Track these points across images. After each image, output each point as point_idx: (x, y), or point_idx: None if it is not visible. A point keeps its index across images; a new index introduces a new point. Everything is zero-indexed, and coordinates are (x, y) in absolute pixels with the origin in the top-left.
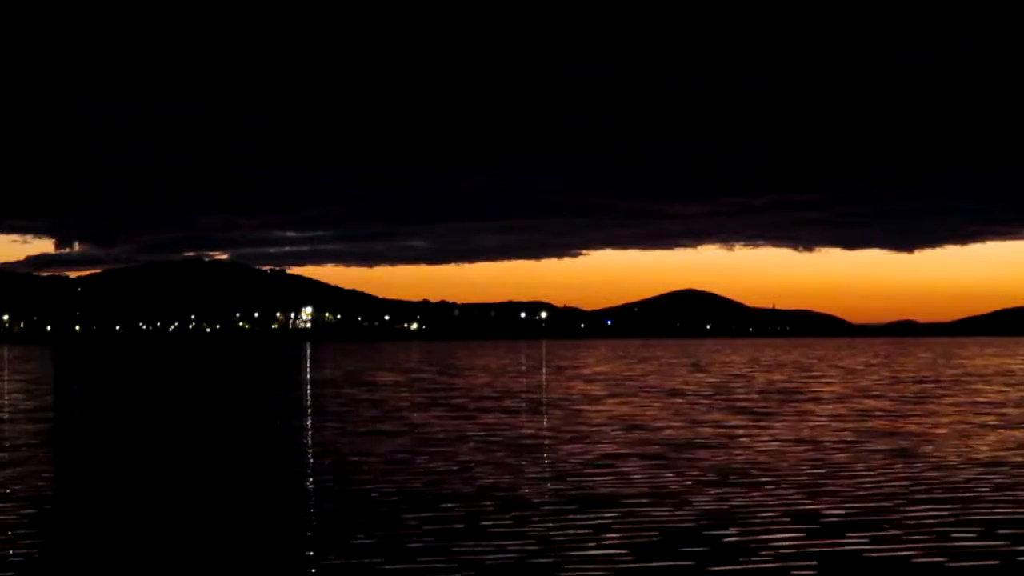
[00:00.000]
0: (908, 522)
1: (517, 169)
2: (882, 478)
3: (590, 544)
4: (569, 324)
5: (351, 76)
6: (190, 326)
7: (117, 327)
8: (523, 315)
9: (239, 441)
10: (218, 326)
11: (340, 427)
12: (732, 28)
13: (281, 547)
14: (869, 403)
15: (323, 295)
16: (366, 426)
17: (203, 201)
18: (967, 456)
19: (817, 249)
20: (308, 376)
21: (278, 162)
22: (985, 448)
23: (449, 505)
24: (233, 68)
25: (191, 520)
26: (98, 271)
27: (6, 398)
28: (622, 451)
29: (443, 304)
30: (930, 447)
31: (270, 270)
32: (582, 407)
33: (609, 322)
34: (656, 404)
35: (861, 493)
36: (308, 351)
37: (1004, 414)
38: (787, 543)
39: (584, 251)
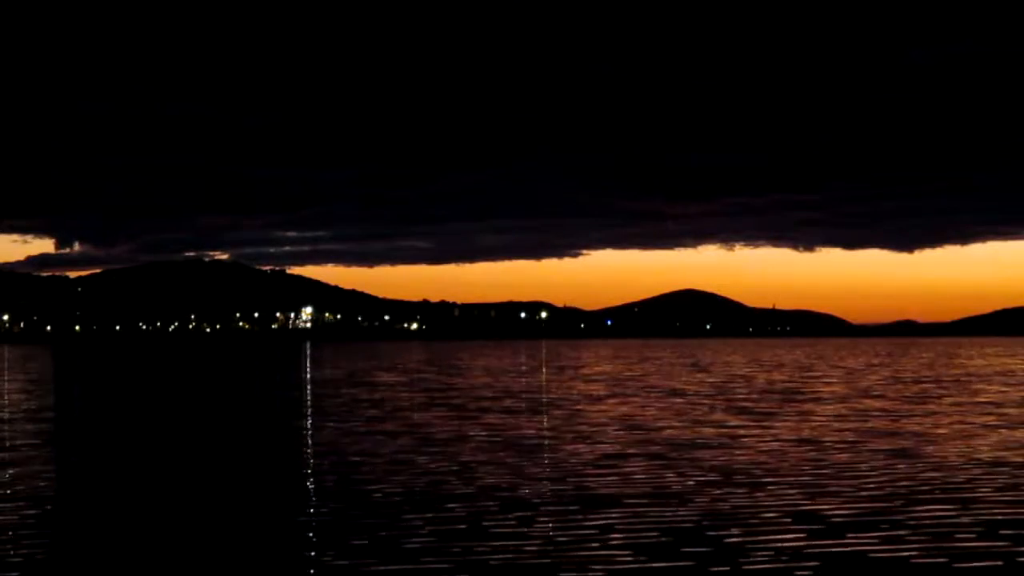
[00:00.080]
0: (910, 522)
1: (517, 169)
2: (884, 478)
3: (592, 544)
4: (569, 324)
5: (351, 76)
6: (190, 326)
7: (117, 327)
8: (523, 315)
9: (239, 441)
10: (218, 326)
11: (340, 427)
12: (732, 28)
13: (282, 547)
14: (870, 403)
15: (323, 295)
16: (366, 426)
17: (203, 201)
18: (968, 456)
19: (817, 249)
20: (308, 376)
21: (278, 162)
22: (986, 448)
23: (450, 505)
24: (233, 68)
25: (192, 520)
26: (98, 271)
27: (6, 398)
28: (623, 451)
29: (443, 304)
30: (931, 447)
31: (270, 270)
32: (583, 407)
33: (609, 322)
34: (657, 404)
35: (863, 493)
36: (308, 351)
37: (1005, 414)
38: (788, 543)
39: (584, 251)
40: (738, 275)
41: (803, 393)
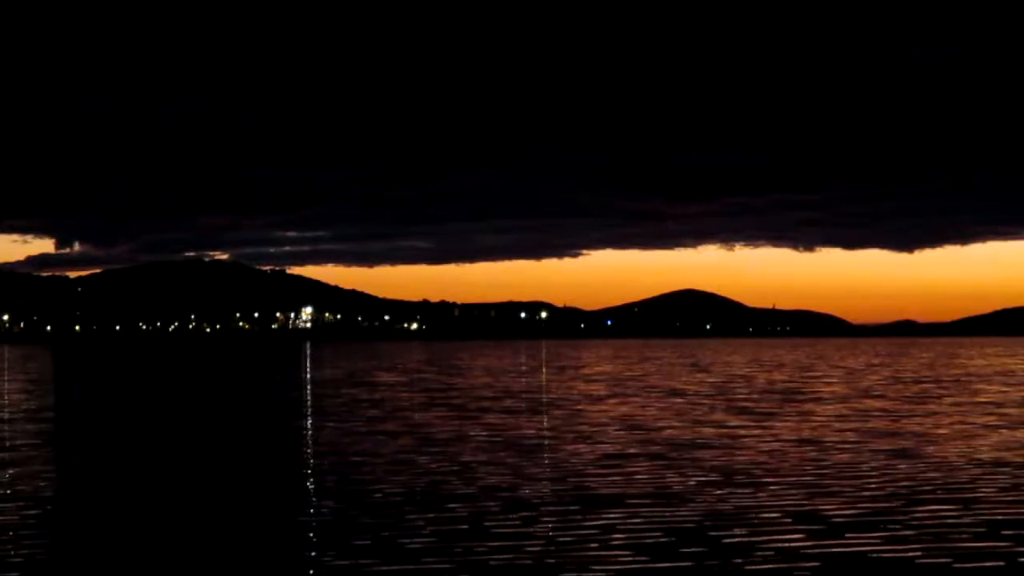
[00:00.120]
0: (911, 523)
1: (517, 169)
2: (885, 478)
3: (593, 545)
4: (569, 324)
5: (351, 76)
6: (190, 326)
7: (117, 327)
8: (523, 315)
9: (239, 441)
10: (218, 326)
11: (341, 427)
12: (732, 29)
13: (283, 548)
14: (870, 403)
15: (323, 295)
16: (367, 426)
17: (203, 201)
18: (969, 457)
19: (817, 249)
20: (308, 376)
21: (278, 162)
22: (987, 449)
23: (451, 505)
24: (233, 68)
25: (192, 520)
26: (98, 271)
27: (6, 398)
28: (623, 451)
29: (443, 304)
30: (932, 447)
31: (270, 270)
32: (583, 407)
33: (609, 322)
34: (657, 404)
35: (864, 493)
36: (308, 351)
37: (1005, 414)
38: (790, 543)
39: (584, 251)
40: (738, 275)
41: (803, 393)
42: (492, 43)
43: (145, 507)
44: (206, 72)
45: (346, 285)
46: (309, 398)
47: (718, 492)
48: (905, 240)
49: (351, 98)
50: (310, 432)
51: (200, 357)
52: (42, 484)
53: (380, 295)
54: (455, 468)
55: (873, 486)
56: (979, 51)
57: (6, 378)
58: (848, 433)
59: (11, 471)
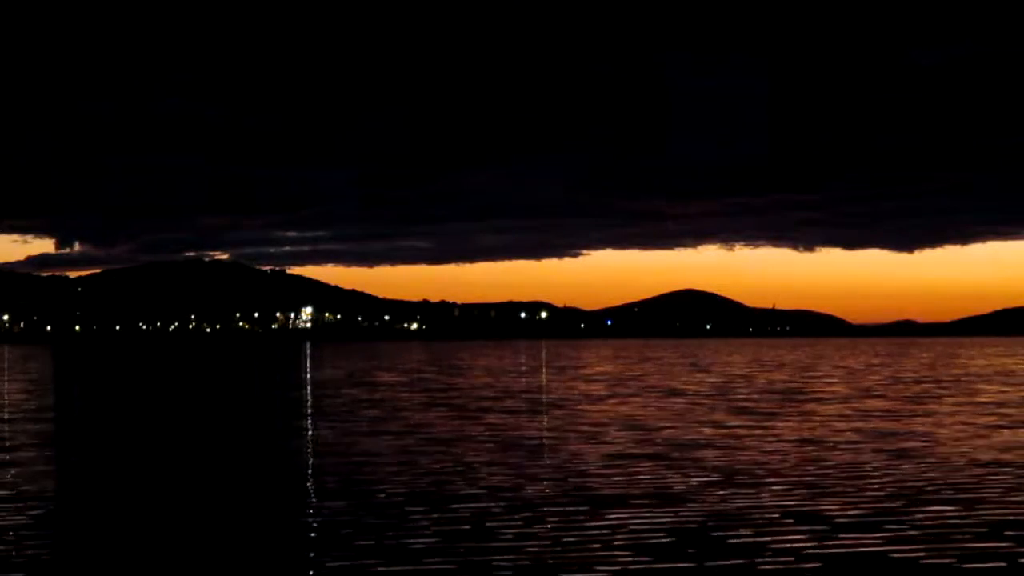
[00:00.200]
0: (913, 523)
1: (517, 169)
2: (886, 479)
3: (595, 545)
4: (569, 324)
5: (351, 76)
6: (190, 326)
7: (117, 327)
8: (523, 315)
9: (240, 442)
10: (218, 326)
11: (341, 427)
12: (732, 28)
13: (284, 548)
14: (871, 403)
15: (323, 295)
16: (367, 426)
17: (203, 201)
18: (970, 457)
19: (817, 249)
20: (308, 376)
21: (278, 162)
22: (989, 449)
23: (453, 506)
24: (233, 68)
25: (193, 521)
26: (98, 271)
27: (6, 398)
28: (624, 451)
29: (443, 304)
30: (933, 447)
31: (270, 270)
32: (583, 407)
33: (609, 322)
34: (657, 404)
35: (866, 494)
36: (308, 351)
37: (1007, 414)
38: (791, 544)
39: (584, 251)
40: (738, 275)
41: (804, 393)
42: (492, 43)
43: (146, 508)
44: (206, 72)
45: (346, 285)
46: (309, 398)
47: (719, 492)
48: (905, 240)
49: (351, 98)
50: (310, 432)
51: (200, 357)
52: (42, 484)
53: (380, 295)
54: (456, 468)
55: (875, 486)
56: (980, 52)
57: (6, 378)
58: (849, 433)
59: (11, 471)
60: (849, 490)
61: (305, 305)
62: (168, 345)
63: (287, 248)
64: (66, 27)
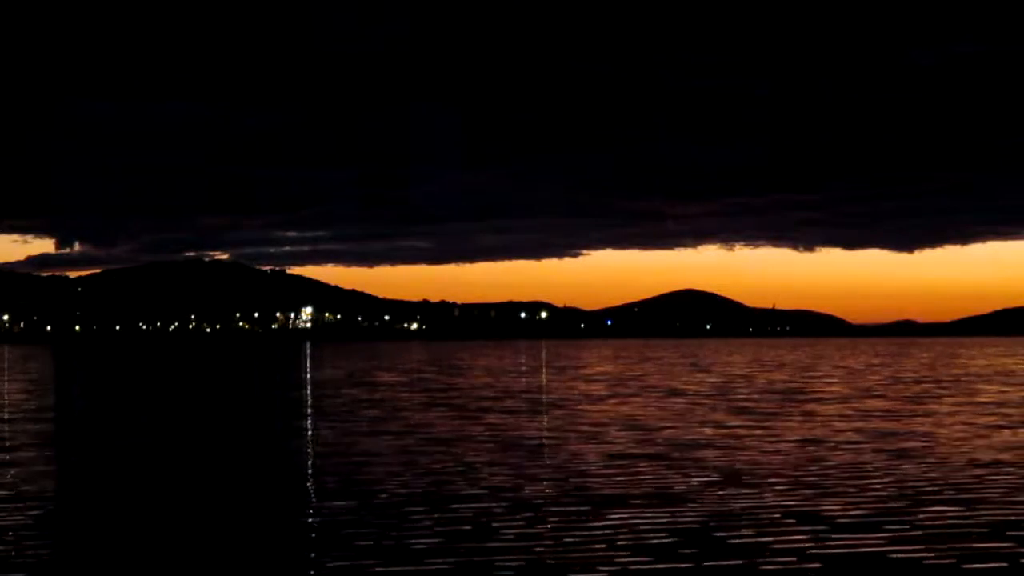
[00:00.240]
0: (915, 523)
1: (517, 169)
2: (888, 479)
3: (597, 545)
4: (569, 324)
5: (351, 76)
6: (190, 326)
7: (117, 327)
8: (523, 315)
9: (240, 442)
10: (218, 326)
11: (341, 427)
12: (732, 28)
13: (284, 548)
14: (872, 403)
15: (323, 295)
16: (367, 427)
17: (203, 201)
18: (971, 457)
19: (817, 249)
20: (308, 376)
21: (278, 162)
22: (990, 449)
23: (453, 506)
24: (233, 68)
25: (193, 521)
26: (98, 271)
27: (6, 398)
28: (625, 451)
29: (443, 304)
30: (934, 447)
31: (270, 270)
32: (584, 407)
33: (609, 322)
34: (658, 404)
35: (867, 494)
36: (308, 351)
37: (1007, 414)
38: (792, 544)
39: (584, 251)
40: (738, 275)
41: (804, 393)
42: (492, 43)
43: (146, 508)
44: (206, 72)
45: (346, 285)
46: (309, 398)
47: (720, 492)
48: (905, 240)
49: (351, 98)
50: (310, 432)
51: (200, 357)
52: (42, 484)
53: (380, 295)
54: (456, 468)
55: (876, 486)
56: (980, 51)
57: (6, 378)
58: (849, 433)
59: (11, 471)
60: (850, 490)
61: (305, 305)
62: (168, 345)
63: (287, 248)
64: (66, 27)
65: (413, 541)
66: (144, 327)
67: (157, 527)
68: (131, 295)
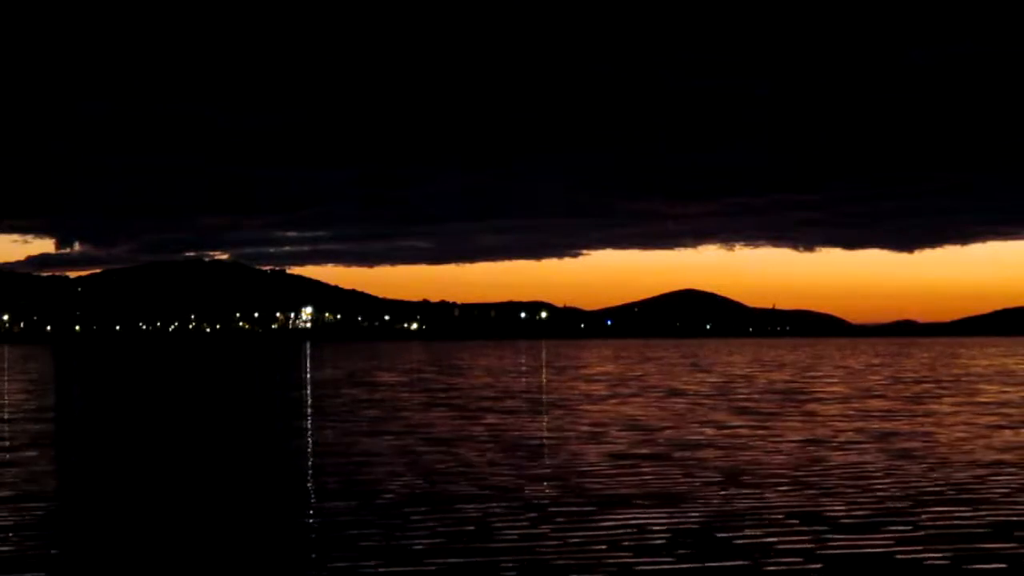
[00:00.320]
0: (916, 523)
1: (517, 169)
2: (889, 479)
3: (596, 545)
4: (569, 324)
5: (351, 76)
6: (190, 326)
7: (117, 327)
8: (523, 315)
9: (240, 442)
10: (218, 326)
11: (341, 427)
12: (732, 28)
13: (284, 549)
14: (872, 403)
15: (323, 295)
16: (368, 427)
17: (203, 201)
18: (973, 457)
19: (817, 249)
20: (308, 376)
21: (278, 162)
22: (991, 449)
23: (454, 506)
24: (233, 68)
25: (194, 521)
26: (98, 271)
27: (6, 398)
28: (626, 451)
29: (443, 304)
30: (935, 448)
31: (270, 270)
32: (584, 407)
33: (609, 322)
34: (658, 405)
35: (869, 494)
36: (308, 351)
37: (1008, 414)
38: (794, 544)
39: (584, 251)
40: (738, 275)
41: (805, 393)
42: (491, 43)
43: (146, 508)
44: (206, 72)
45: (346, 285)
46: (309, 398)
47: (721, 493)
48: (905, 240)
49: (351, 98)
50: (310, 432)
51: (200, 357)
52: (43, 484)
53: (380, 295)
54: (457, 468)
55: (877, 487)
56: (979, 51)
57: (6, 378)
58: (850, 433)
59: (11, 471)
60: (851, 490)
61: (305, 305)
62: (168, 345)
63: (287, 248)
64: (66, 27)
65: (413, 541)
66: (144, 327)
67: (158, 527)
68: (131, 295)
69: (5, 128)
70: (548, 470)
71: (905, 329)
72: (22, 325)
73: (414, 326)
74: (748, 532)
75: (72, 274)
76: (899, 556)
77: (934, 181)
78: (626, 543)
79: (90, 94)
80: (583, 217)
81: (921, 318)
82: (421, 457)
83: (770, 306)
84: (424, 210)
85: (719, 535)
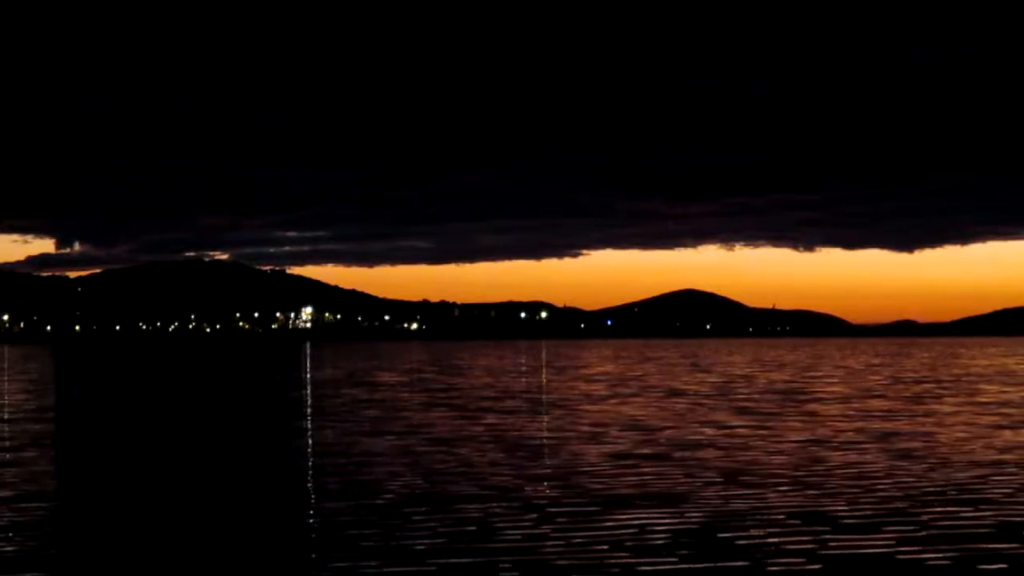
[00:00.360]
0: (918, 523)
1: (517, 169)
2: (890, 479)
3: (596, 546)
4: (569, 324)
5: (351, 76)
6: (190, 326)
7: (117, 327)
8: (523, 315)
9: (240, 442)
10: (218, 326)
11: (342, 427)
12: (732, 28)
13: (284, 549)
14: (873, 403)
15: (323, 295)
16: (368, 427)
17: (203, 201)
18: (973, 457)
19: (817, 249)
20: (308, 376)
21: (278, 162)
22: (991, 449)
23: (455, 506)
24: (233, 68)
25: (194, 521)
26: (98, 271)
27: (6, 398)
28: (626, 451)
29: (443, 304)
30: (936, 448)
31: (270, 270)
32: (584, 407)
33: (609, 322)
34: (658, 405)
35: (870, 494)
36: (308, 351)
37: (1008, 415)
38: (795, 544)
39: (584, 251)
40: (738, 275)
41: (805, 393)
42: (492, 43)
43: (146, 508)
44: (206, 72)
45: (346, 285)
46: (309, 398)
47: (722, 493)
48: (905, 240)
49: (351, 98)
50: (310, 432)
51: (200, 357)
52: (43, 484)
53: (380, 295)
54: (457, 469)
55: (878, 487)
56: (979, 51)
57: (6, 378)
58: (851, 433)
59: (11, 471)
60: (852, 490)
61: (305, 305)
62: (168, 345)
63: (287, 248)
64: (66, 27)
65: (414, 542)
66: (144, 327)
67: (158, 527)
68: (131, 295)
69: (5, 128)
70: (548, 470)
71: (905, 329)
72: (22, 325)
73: (414, 326)
74: (749, 532)
75: (72, 274)
76: (900, 556)
77: (934, 181)
78: (627, 543)
79: (90, 94)
80: (583, 217)
81: (921, 318)
82: (421, 457)
83: (770, 306)
84: (424, 210)
85: (720, 535)
